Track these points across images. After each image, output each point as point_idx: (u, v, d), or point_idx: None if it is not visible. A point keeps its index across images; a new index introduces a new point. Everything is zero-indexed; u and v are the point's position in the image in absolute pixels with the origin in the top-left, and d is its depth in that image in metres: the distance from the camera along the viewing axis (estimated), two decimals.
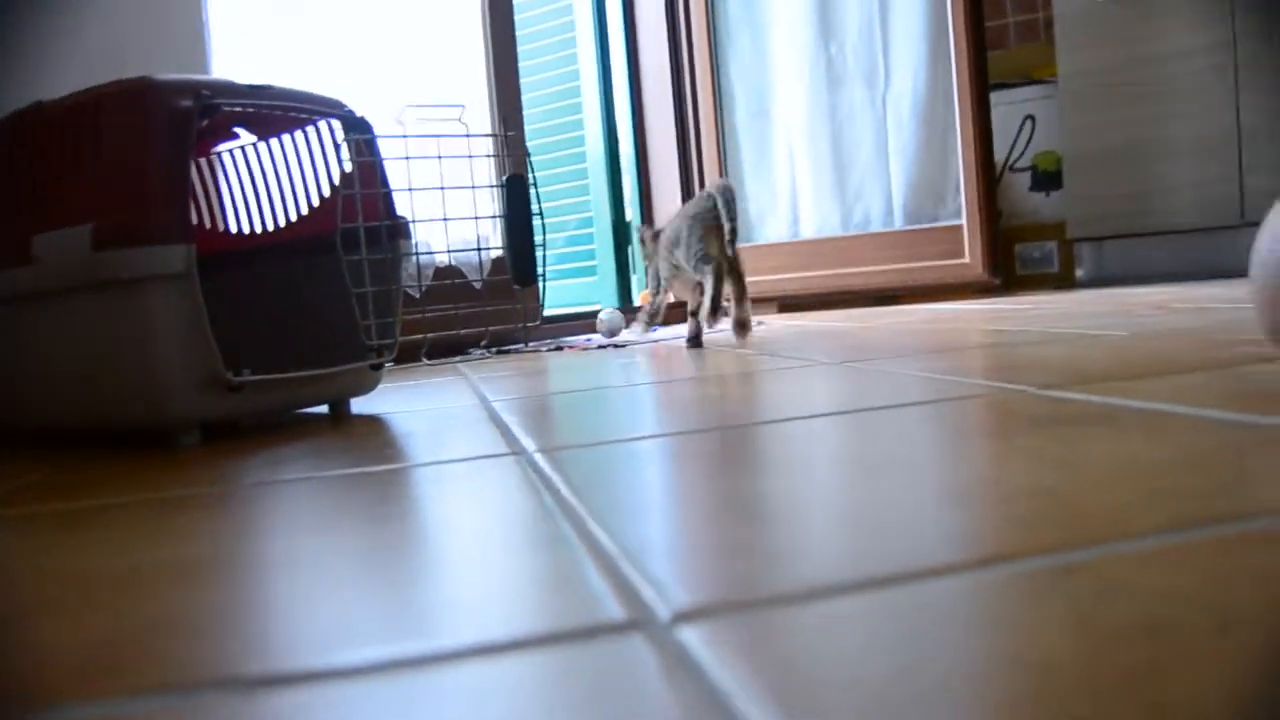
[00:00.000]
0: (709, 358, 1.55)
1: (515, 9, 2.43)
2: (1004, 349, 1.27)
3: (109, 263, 0.94)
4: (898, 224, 2.64)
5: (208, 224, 1.29)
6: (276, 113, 1.07)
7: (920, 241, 2.57)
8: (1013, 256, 3.54)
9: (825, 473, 0.60)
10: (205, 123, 0.95)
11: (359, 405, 1.23)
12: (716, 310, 1.61)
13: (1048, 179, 3.50)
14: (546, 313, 2.31)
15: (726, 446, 0.72)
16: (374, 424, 1.07)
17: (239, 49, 1.92)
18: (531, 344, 2.20)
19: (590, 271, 3.06)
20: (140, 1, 1.41)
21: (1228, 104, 3.00)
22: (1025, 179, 3.55)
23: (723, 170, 2.85)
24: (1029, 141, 3.52)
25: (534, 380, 1.45)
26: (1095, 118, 3.14)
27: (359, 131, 1.09)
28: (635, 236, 3.01)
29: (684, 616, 0.35)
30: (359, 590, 0.43)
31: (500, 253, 2.24)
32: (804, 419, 0.82)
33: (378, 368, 1.16)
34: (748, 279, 1.70)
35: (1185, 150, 3.04)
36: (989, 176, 2.50)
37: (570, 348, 2.08)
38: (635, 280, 3.02)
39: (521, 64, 2.44)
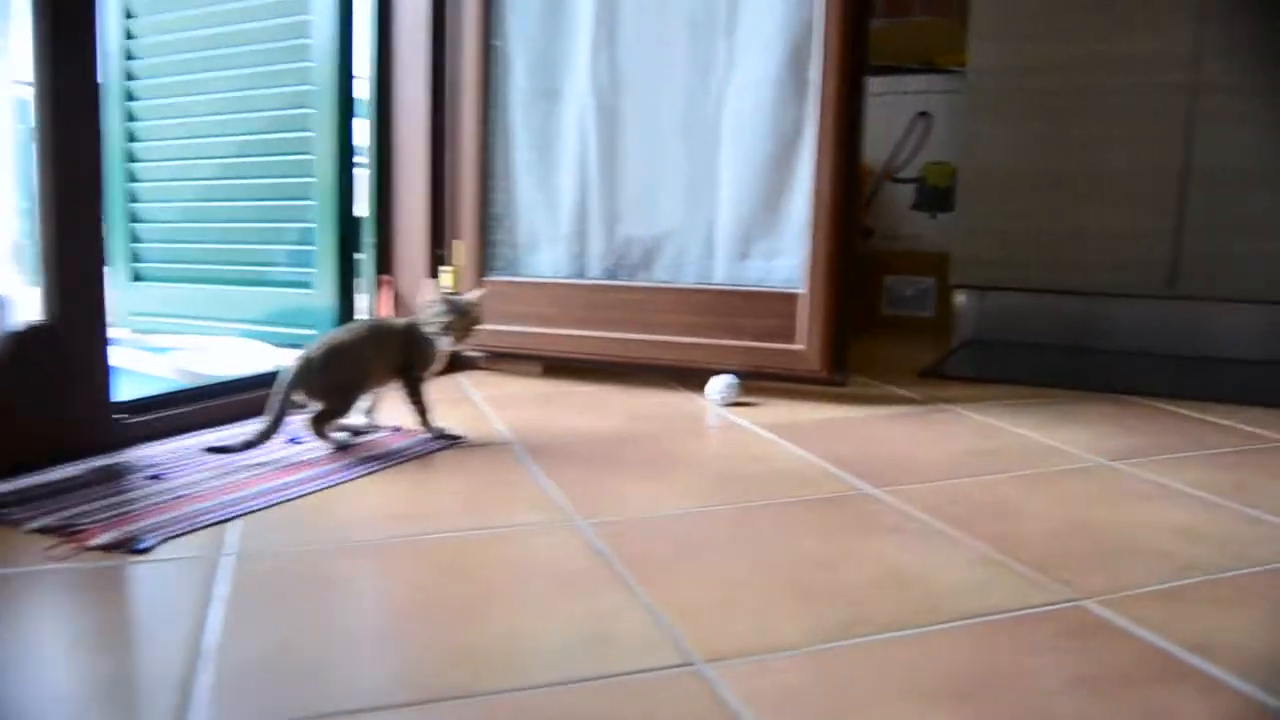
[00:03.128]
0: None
1: None
2: None
3: None
4: (719, 273, 1.85)
5: None
6: None
7: (740, 308, 1.80)
8: (880, 290, 2.80)
9: None
10: None
11: None
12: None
13: (936, 197, 2.74)
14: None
15: None
16: None
17: None
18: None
19: (305, 281, 2.21)
20: None
21: (1176, 136, 2.27)
22: (908, 193, 2.80)
23: (485, 167, 2.01)
24: (919, 146, 2.76)
25: None
26: (1005, 129, 2.39)
27: None
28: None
29: None
30: None
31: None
32: None
33: None
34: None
35: (1114, 188, 2.31)
36: (844, 223, 1.72)
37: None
38: (367, 298, 2.19)
39: None
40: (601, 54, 1.90)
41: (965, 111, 2.44)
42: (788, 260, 1.77)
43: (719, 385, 1.77)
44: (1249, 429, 1.65)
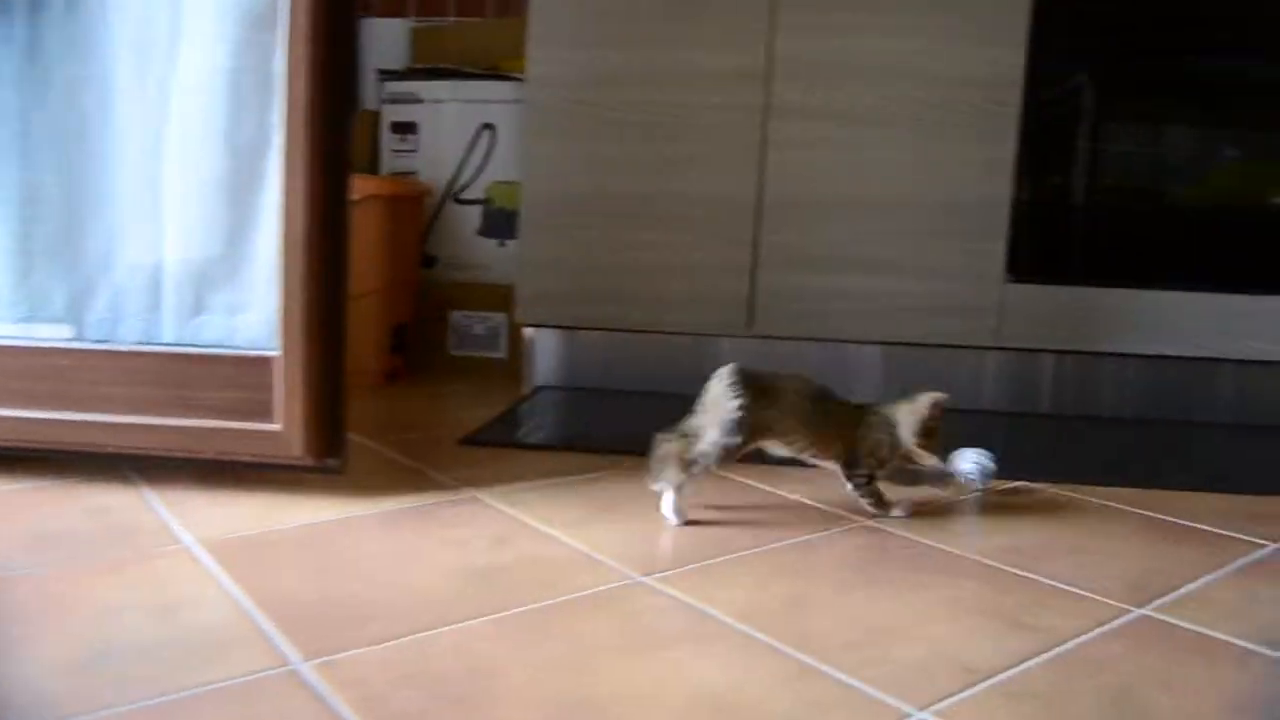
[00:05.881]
0: None
1: None
2: None
3: None
4: (168, 331, 1.40)
5: None
6: None
7: (195, 378, 1.35)
8: (445, 327, 2.43)
9: None
10: None
11: None
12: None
13: (505, 221, 2.41)
14: None
15: None
16: None
17: None
18: None
19: None
20: None
21: (749, 161, 2.06)
22: (475, 216, 2.45)
23: None
24: (484, 161, 2.42)
25: None
26: (571, 146, 2.09)
27: None
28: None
29: None
30: None
31: None
32: None
33: None
34: None
35: (688, 218, 2.07)
36: (331, 262, 1.32)
37: None
38: None
39: None
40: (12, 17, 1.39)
41: (525, 127, 2.12)
42: (256, 314, 1.35)
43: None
44: (822, 507, 1.41)
